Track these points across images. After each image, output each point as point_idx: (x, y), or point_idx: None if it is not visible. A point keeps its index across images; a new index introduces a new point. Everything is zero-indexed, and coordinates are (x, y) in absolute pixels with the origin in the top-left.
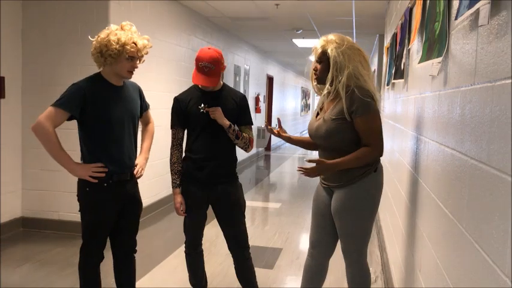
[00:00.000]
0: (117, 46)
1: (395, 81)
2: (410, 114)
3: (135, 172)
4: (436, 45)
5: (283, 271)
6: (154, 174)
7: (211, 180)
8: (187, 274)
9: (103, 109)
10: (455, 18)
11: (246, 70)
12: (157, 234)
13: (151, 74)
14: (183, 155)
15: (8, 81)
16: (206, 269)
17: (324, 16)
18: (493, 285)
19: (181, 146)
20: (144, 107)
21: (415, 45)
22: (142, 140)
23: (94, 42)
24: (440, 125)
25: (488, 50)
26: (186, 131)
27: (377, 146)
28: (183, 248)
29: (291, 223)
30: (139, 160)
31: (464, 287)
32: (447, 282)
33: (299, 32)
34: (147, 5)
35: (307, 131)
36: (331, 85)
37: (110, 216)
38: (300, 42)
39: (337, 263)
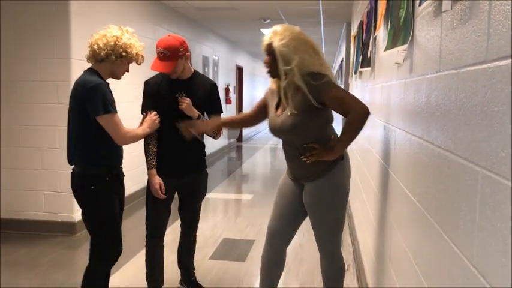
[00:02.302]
0: (132, 50)
1: (362, 69)
2: (378, 102)
3: None
4: (401, 32)
5: (255, 263)
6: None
7: (179, 170)
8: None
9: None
10: (420, 5)
11: (215, 61)
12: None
13: None
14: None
15: None
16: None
17: (292, 5)
18: (461, 274)
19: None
20: None
21: (381, 33)
22: None
23: (102, 36)
24: (407, 113)
25: (452, 37)
26: None
27: (357, 107)
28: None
29: (264, 214)
30: None
31: (433, 276)
32: (416, 271)
33: (267, 21)
34: None
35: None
36: (286, 78)
37: (116, 208)
38: (268, 32)
39: (310, 253)
